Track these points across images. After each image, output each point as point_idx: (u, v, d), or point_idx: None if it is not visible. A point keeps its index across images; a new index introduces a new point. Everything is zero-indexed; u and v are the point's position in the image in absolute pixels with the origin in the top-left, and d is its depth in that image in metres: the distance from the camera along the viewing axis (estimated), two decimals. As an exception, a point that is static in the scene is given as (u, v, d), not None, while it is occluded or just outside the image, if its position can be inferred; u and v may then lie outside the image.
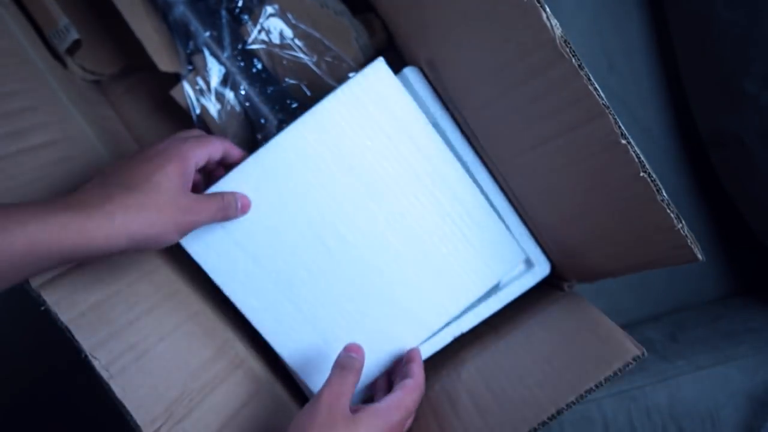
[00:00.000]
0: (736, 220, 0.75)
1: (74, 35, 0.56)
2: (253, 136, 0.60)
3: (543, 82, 0.45)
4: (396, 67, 0.59)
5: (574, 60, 0.42)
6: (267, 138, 0.58)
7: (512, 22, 0.43)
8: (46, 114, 0.50)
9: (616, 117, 0.43)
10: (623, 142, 0.43)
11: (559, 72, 0.43)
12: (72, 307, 0.44)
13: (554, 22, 0.41)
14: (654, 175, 0.44)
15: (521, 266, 0.60)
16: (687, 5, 0.69)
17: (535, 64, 0.44)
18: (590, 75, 0.42)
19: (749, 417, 0.61)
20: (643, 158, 0.44)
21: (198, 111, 0.58)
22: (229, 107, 0.59)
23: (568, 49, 0.42)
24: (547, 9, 0.41)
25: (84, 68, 0.60)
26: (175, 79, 0.59)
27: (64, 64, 0.59)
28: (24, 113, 0.48)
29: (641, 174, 0.44)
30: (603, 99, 0.43)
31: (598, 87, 0.42)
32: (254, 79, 0.59)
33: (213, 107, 0.59)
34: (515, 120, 0.51)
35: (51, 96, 0.52)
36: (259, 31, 0.59)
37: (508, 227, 0.59)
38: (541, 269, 0.59)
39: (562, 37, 0.41)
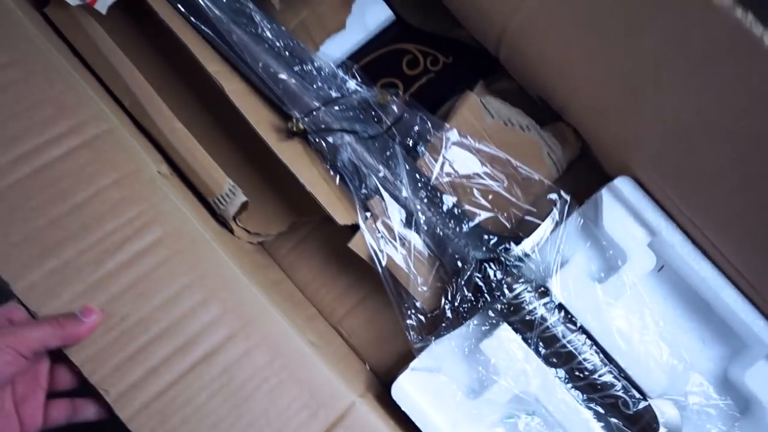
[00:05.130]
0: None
1: (241, 197, 0.50)
2: (448, 280, 0.51)
3: None
4: (591, 177, 0.53)
5: None
6: (469, 282, 0.50)
7: None
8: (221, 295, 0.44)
9: None
10: None
11: None
12: None
13: None
14: None
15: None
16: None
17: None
18: None
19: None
20: None
21: (384, 262, 0.51)
22: (416, 251, 0.51)
23: None
24: None
25: (249, 231, 0.54)
26: (349, 228, 0.52)
27: (230, 230, 0.53)
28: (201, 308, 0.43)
29: None
30: None
31: None
32: (443, 217, 0.51)
33: (398, 255, 0.51)
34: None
35: (223, 273, 0.45)
36: (442, 163, 0.52)
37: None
38: None
39: None
